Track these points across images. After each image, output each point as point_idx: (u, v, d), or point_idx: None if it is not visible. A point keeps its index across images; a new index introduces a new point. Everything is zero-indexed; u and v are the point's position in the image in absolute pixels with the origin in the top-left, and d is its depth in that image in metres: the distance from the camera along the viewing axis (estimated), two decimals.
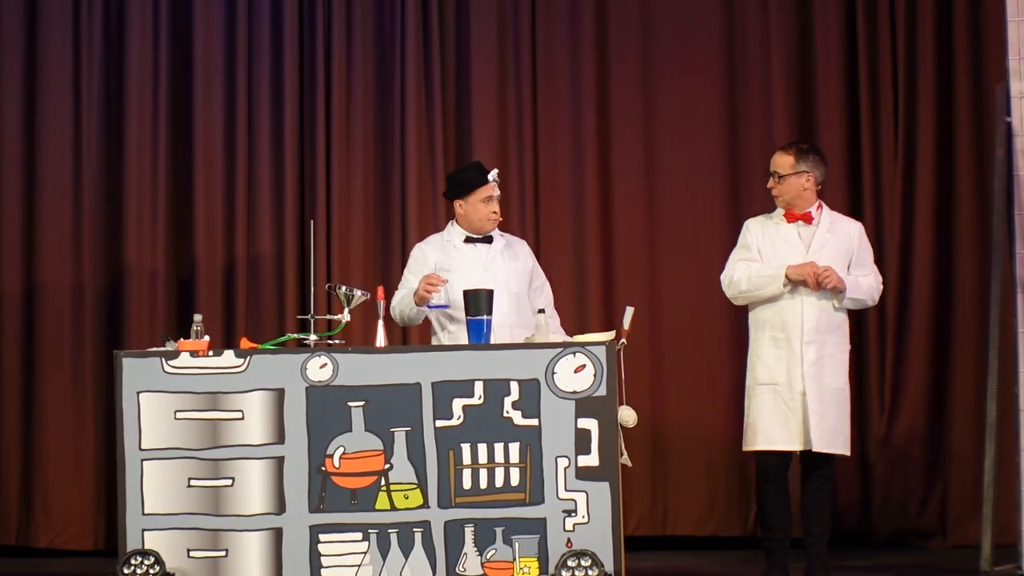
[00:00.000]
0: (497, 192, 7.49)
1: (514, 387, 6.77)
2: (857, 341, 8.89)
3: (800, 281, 7.11)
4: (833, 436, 7.14)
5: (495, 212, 7.49)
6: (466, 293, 7.00)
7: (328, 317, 7.41)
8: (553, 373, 6.77)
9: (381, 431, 6.77)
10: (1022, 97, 7.51)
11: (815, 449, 7.09)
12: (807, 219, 7.25)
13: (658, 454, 8.98)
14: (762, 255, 7.26)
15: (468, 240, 7.50)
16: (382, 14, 9.18)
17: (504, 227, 9.01)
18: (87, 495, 8.89)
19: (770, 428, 7.13)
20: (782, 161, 7.27)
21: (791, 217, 7.27)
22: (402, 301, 7.44)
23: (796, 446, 7.12)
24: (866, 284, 7.24)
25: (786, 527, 7.22)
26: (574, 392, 6.77)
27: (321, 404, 6.78)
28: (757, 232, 7.33)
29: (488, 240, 7.53)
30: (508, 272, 7.47)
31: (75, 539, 8.88)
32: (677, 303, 8.96)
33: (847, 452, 7.28)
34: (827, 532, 7.25)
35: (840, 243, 7.24)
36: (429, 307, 7.32)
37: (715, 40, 9.16)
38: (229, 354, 6.85)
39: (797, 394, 7.10)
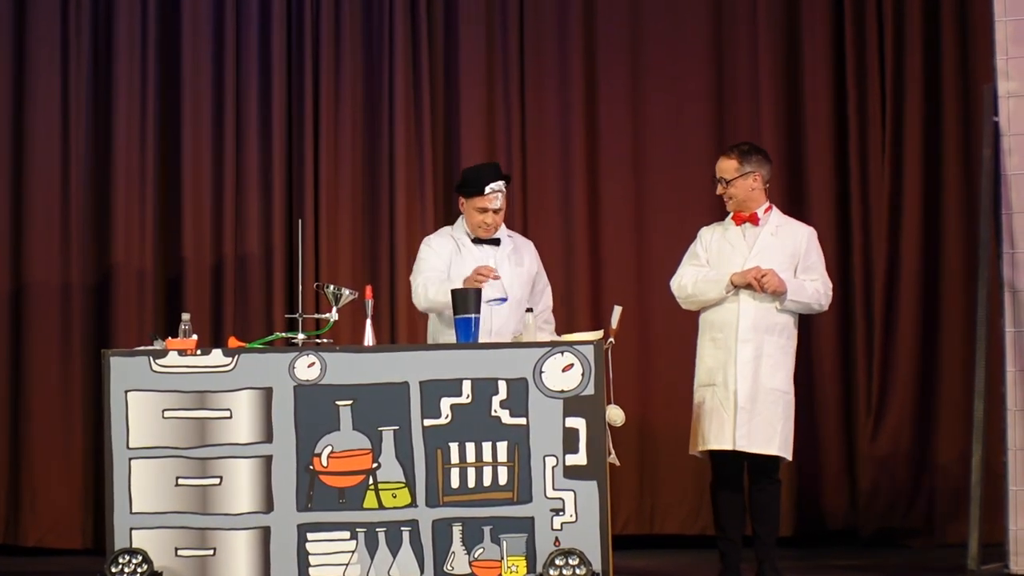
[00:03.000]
0: (495, 204, 7.36)
1: (502, 386, 6.77)
2: (844, 341, 8.92)
3: (745, 285, 7.12)
4: (763, 436, 7.07)
5: (487, 223, 7.39)
6: (454, 292, 7.00)
7: (316, 316, 7.42)
8: (541, 372, 6.78)
9: (369, 430, 6.78)
10: (1009, 97, 7.53)
11: (737, 448, 7.05)
12: (754, 220, 7.26)
13: (646, 453, 8.99)
14: (710, 260, 7.30)
15: (476, 241, 7.46)
16: (370, 12, 9.18)
17: None
18: (75, 494, 8.88)
19: (706, 428, 7.15)
20: (727, 166, 7.26)
21: (739, 219, 7.28)
22: (439, 288, 7.31)
23: (726, 445, 7.08)
24: (811, 288, 7.19)
25: (738, 527, 7.20)
26: (562, 391, 6.78)
27: (309, 403, 6.79)
28: (707, 238, 7.35)
29: (496, 243, 7.49)
30: (512, 278, 7.43)
31: (63, 538, 8.88)
32: (665, 302, 8.90)
33: (784, 455, 7.13)
34: (775, 532, 7.20)
35: (785, 246, 7.22)
36: (488, 302, 7.18)
37: (703, 39, 9.18)
38: (217, 353, 6.86)
39: (731, 393, 7.10)
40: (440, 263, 7.42)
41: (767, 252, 7.18)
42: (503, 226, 7.55)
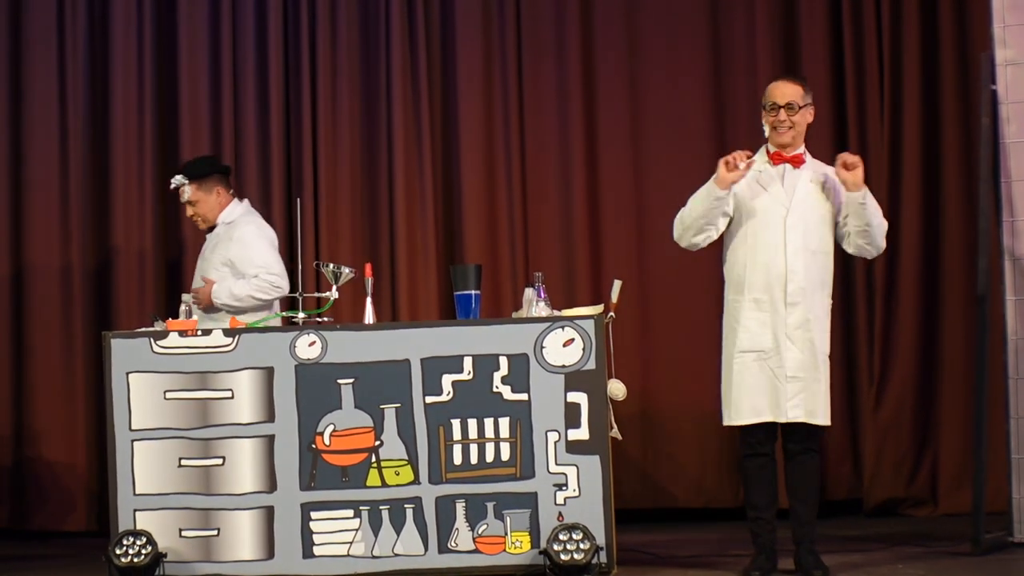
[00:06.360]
0: (184, 198, 7.78)
1: (503, 362, 6.78)
2: (846, 311, 8.91)
3: (732, 181, 6.56)
4: (819, 405, 6.64)
5: (190, 216, 7.85)
6: (453, 268, 7.03)
7: (316, 295, 7.42)
8: (542, 347, 6.78)
9: (371, 408, 6.79)
10: (1007, 65, 7.51)
11: (794, 420, 6.61)
12: (796, 162, 6.71)
13: (648, 427, 8.99)
14: (738, 205, 6.70)
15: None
16: None
17: (491, 202, 9.04)
18: (78, 476, 8.89)
19: (757, 399, 6.62)
20: (794, 91, 6.69)
21: (778, 159, 6.71)
22: None
23: (781, 417, 6.60)
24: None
25: (773, 505, 6.78)
26: (563, 366, 6.78)
27: (311, 382, 6.79)
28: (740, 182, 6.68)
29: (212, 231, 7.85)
30: (205, 266, 7.73)
31: (67, 520, 8.89)
32: (665, 275, 8.96)
33: (827, 422, 6.69)
34: (815, 509, 6.79)
35: (825, 191, 6.70)
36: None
37: (700, 11, 9.14)
38: (218, 333, 6.86)
39: (784, 361, 6.58)
40: None
41: (809, 200, 6.65)
42: (232, 209, 7.80)
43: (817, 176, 6.73)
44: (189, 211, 7.81)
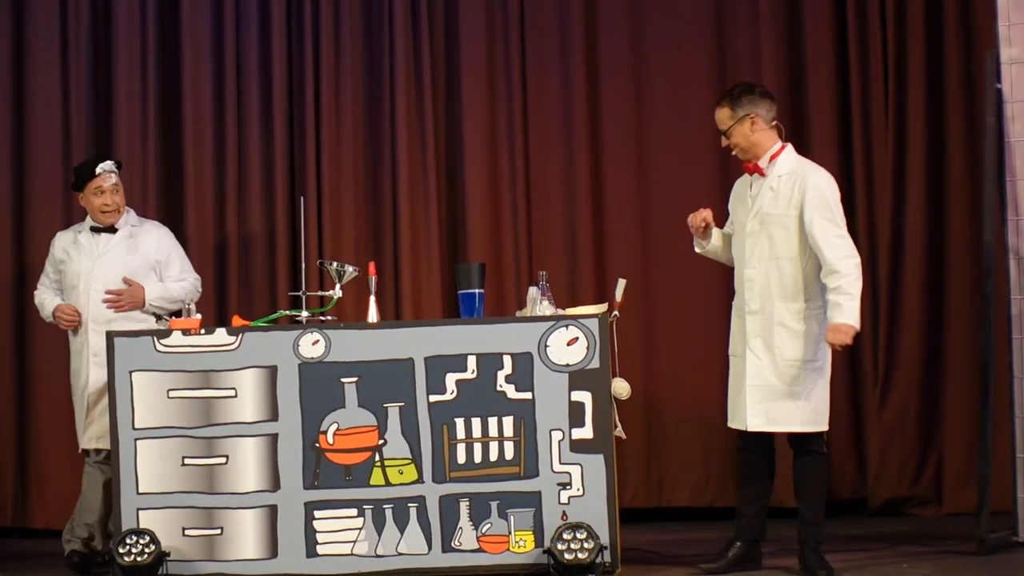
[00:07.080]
0: (111, 182, 7.67)
1: (507, 361, 6.78)
2: None
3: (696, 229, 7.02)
4: (783, 413, 6.68)
5: (107, 204, 7.66)
6: (456, 267, 7.02)
7: (320, 293, 7.42)
8: (546, 346, 6.78)
9: (374, 407, 6.79)
10: (1012, 63, 7.51)
11: (749, 429, 6.73)
12: (760, 171, 6.82)
13: (652, 425, 8.98)
14: (731, 216, 7.03)
15: (94, 229, 7.72)
16: None
17: (495, 201, 9.02)
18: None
19: (731, 403, 6.87)
20: (721, 116, 6.85)
21: (749, 169, 6.87)
22: (42, 305, 7.84)
23: (739, 424, 6.78)
24: (846, 283, 6.63)
25: (755, 503, 6.87)
26: (567, 365, 6.78)
27: (314, 380, 6.80)
28: (733, 192, 7.06)
29: (112, 231, 7.71)
30: (116, 266, 7.61)
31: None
32: (669, 274, 8.95)
33: (813, 428, 6.75)
34: (816, 510, 6.80)
35: (780, 196, 6.75)
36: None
37: (704, 8, 9.13)
38: (221, 332, 6.86)
39: (743, 368, 6.77)
40: (52, 269, 7.81)
41: (770, 207, 6.75)
42: (131, 214, 7.82)
43: (783, 181, 6.79)
44: (109, 199, 7.66)
